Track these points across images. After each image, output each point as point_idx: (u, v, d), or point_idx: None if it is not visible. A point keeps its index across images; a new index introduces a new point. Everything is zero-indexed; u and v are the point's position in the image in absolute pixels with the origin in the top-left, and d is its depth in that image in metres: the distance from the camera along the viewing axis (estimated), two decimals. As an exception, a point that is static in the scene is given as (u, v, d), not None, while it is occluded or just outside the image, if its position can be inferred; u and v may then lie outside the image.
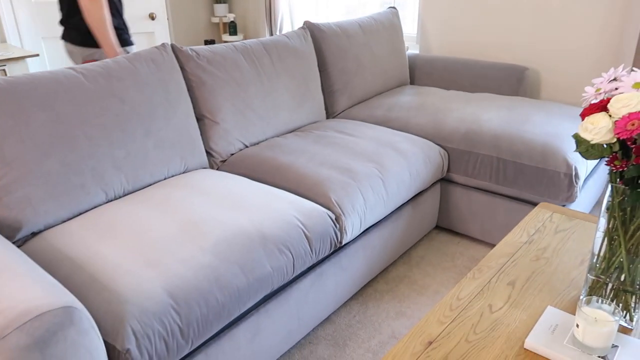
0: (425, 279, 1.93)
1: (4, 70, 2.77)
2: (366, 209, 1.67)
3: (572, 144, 1.92)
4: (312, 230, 1.48)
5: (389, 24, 2.78)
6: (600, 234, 1.03)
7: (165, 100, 1.71)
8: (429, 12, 3.07)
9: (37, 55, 2.92)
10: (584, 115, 0.98)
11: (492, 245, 2.16)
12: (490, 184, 2.03)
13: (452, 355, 0.95)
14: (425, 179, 1.97)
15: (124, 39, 2.19)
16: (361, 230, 1.68)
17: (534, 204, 1.98)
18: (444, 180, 2.18)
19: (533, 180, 1.92)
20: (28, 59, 2.90)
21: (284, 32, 3.85)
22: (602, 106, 0.95)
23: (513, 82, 2.65)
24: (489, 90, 2.70)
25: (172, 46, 1.84)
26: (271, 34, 3.80)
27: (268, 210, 1.47)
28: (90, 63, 1.61)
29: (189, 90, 1.86)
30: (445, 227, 2.26)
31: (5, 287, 0.95)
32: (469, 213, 2.15)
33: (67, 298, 0.96)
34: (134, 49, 2.25)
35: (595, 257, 1.04)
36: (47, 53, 3.29)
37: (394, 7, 2.91)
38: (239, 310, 1.29)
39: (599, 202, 2.42)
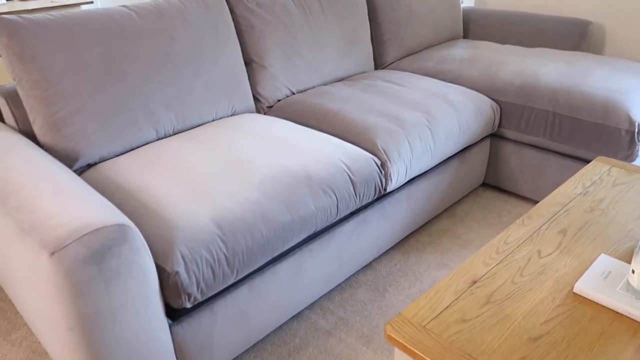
0: (469, 234, 1.90)
1: (60, 16, 2.84)
2: (412, 158, 1.64)
3: (637, 100, 1.81)
4: (357, 174, 1.47)
5: (444, -27, 2.66)
6: (665, 180, 0.97)
7: (214, 42, 1.71)
8: (488, -38, 2.91)
9: (92, 2, 2.98)
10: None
11: (541, 205, 2.10)
12: (544, 140, 1.94)
13: (496, 294, 0.94)
14: (475, 132, 1.91)
15: None
16: (406, 179, 1.66)
17: (590, 162, 1.89)
18: (495, 136, 2.11)
19: (591, 137, 1.82)
20: (82, 6, 2.97)
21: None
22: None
23: (575, 37, 2.50)
24: (548, 45, 2.56)
25: (223, -12, 1.83)
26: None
27: (314, 153, 1.47)
28: (144, 2, 1.62)
29: (237, 33, 1.85)
30: (493, 184, 2.20)
31: (65, 203, 1.00)
32: (519, 170, 2.08)
33: (121, 217, 0.99)
34: None
35: (658, 204, 0.98)
36: (101, 0, 3.35)
37: (450, -44, 2.77)
38: (283, 246, 1.31)
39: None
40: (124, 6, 1.57)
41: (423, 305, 0.92)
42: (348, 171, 1.45)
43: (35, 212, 0.99)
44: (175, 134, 1.64)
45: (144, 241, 1.02)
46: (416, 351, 0.83)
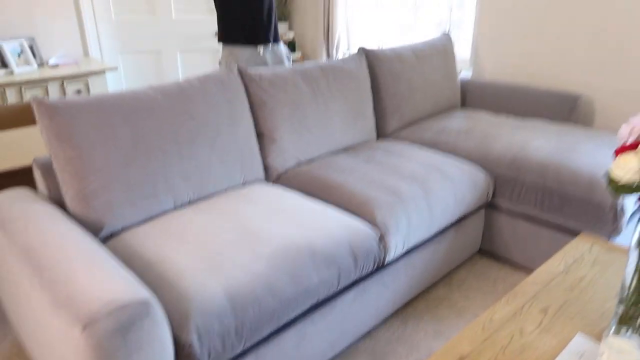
0: (465, 302, 1.99)
1: (87, 82, 3.07)
2: (410, 230, 1.76)
3: (621, 177, 1.93)
4: (358, 248, 1.59)
5: (442, 49, 2.87)
6: (631, 268, 1.08)
7: (230, 118, 1.88)
8: (483, 36, 3.13)
9: (116, 68, 3.21)
10: (617, 153, 1.05)
11: (535, 272, 2.19)
12: (536, 212, 2.07)
13: (481, 372, 1.04)
14: (470, 203, 2.04)
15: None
16: (404, 250, 1.77)
17: (579, 234, 2.00)
18: (489, 206, 2.24)
19: (578, 211, 1.94)
20: (107, 72, 3.19)
21: (340, 50, 4.00)
22: (634, 146, 1.02)
23: (565, 109, 2.66)
24: (540, 117, 2.72)
25: (239, 68, 2.02)
26: (328, 53, 3.96)
27: (318, 226, 1.59)
28: (168, 83, 1.79)
29: (251, 109, 2.02)
30: (488, 251, 2.31)
31: (96, 277, 1.12)
32: (512, 239, 2.19)
33: (145, 293, 1.11)
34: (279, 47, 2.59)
35: (626, 290, 1.09)
36: (124, 66, 3.59)
37: (447, 34, 2.99)
38: (288, 316, 1.41)
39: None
40: (150, 87, 1.75)
41: (414, 381, 1.02)
42: (350, 244, 1.58)
43: (68, 285, 1.11)
44: (190, 204, 1.77)
45: (164, 315, 1.14)
46: None
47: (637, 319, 1.08)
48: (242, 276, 1.35)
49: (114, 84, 3.53)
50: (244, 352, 1.38)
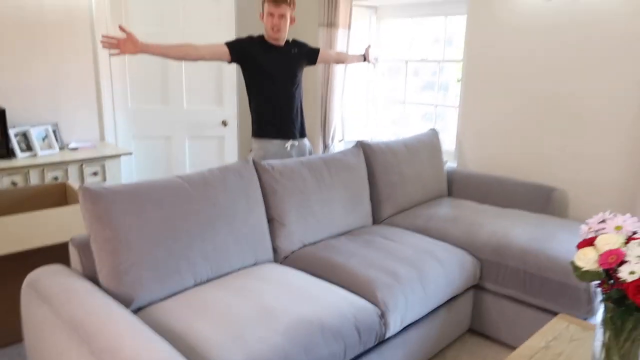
0: (457, 377, 2.14)
1: (103, 165, 3.32)
2: (407, 308, 1.95)
3: (592, 263, 2.17)
4: (362, 323, 1.77)
5: (430, 143, 3.20)
6: (598, 343, 1.29)
7: (246, 205, 2.11)
8: (466, 132, 3.49)
9: (131, 153, 3.48)
10: (579, 246, 1.29)
11: (521, 351, 2.35)
12: (519, 294, 2.27)
13: None
14: (459, 285, 2.25)
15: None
16: (402, 327, 1.95)
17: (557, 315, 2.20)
18: (477, 287, 2.44)
19: (557, 293, 2.16)
20: (122, 157, 3.45)
21: (335, 140, 4.35)
22: (591, 241, 1.26)
23: (542, 200, 2.95)
24: (519, 206, 3.00)
25: (253, 160, 2.28)
26: (324, 142, 4.29)
27: (326, 303, 1.78)
28: (193, 172, 2.04)
29: (263, 196, 2.26)
30: (478, 330, 2.48)
31: (140, 346, 1.29)
32: (499, 319, 2.37)
33: (191, 352, 1.28)
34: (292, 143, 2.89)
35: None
36: (135, 150, 3.86)
37: (434, 129, 3.35)
38: (300, 386, 1.56)
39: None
40: (178, 177, 1.99)
41: None
42: (354, 320, 1.76)
43: (117, 354, 1.27)
44: (208, 281, 1.96)
45: (198, 380, 1.30)
46: None
47: (606, 387, 1.27)
48: (263, 348, 1.51)
49: (126, 166, 3.78)
50: (261, 420, 1.51)
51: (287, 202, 2.29)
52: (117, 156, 3.39)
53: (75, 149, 3.41)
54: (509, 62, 3.24)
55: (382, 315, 1.86)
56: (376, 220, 2.81)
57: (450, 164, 3.66)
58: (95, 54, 3.58)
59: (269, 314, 1.68)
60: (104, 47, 2.35)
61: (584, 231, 1.32)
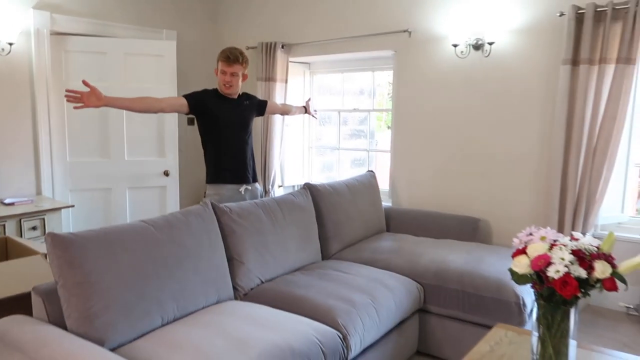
0: (412, 395, 2.30)
1: (43, 219, 3.24)
2: (365, 331, 2.12)
3: (519, 280, 2.48)
4: (326, 347, 1.91)
5: (369, 183, 3.48)
6: (535, 337, 1.53)
7: (209, 246, 2.21)
8: (398, 173, 3.82)
9: (73, 206, 3.43)
10: (513, 256, 1.54)
11: (465, 367, 2.57)
12: (459, 313, 2.52)
13: None
14: (407, 308, 2.45)
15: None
16: (361, 349, 2.10)
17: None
18: (422, 311, 2.66)
19: (492, 309, 2.42)
20: (63, 210, 3.39)
21: (275, 185, 4.52)
22: (523, 250, 1.52)
23: (469, 230, 3.29)
24: (451, 236, 3.31)
25: (211, 203, 2.40)
26: (265, 187, 4.45)
27: (293, 331, 1.90)
28: (156, 217, 2.12)
29: (222, 237, 2.37)
30: (424, 352, 2.67)
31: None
32: (443, 339, 2.59)
33: (175, 386, 1.35)
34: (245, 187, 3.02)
35: (535, 354, 1.52)
36: (75, 203, 3.79)
37: (371, 171, 3.64)
38: (277, 409, 1.66)
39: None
40: (142, 221, 2.07)
41: None
42: (320, 344, 1.89)
43: (109, 385, 1.32)
44: (175, 320, 2.01)
45: (189, 404, 1.37)
46: None
47: (544, 374, 1.50)
48: (241, 374, 1.60)
49: (64, 219, 3.69)
50: None
51: (245, 242, 2.41)
52: (58, 209, 3.33)
53: (11, 204, 3.31)
54: (431, 110, 3.65)
55: (344, 339, 2.01)
56: (325, 256, 2.99)
57: (385, 203, 3.95)
58: (34, 110, 3.56)
59: (241, 344, 1.77)
60: (68, 101, 2.40)
61: (516, 243, 1.58)
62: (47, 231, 3.29)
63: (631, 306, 3.16)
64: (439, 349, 2.61)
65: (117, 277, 1.83)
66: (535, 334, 1.53)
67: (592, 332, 2.91)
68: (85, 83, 2.44)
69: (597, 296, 3.27)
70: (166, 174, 4.09)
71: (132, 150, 3.99)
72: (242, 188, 2.93)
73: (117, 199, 3.98)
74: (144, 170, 4.04)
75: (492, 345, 1.85)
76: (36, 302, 1.85)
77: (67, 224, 3.72)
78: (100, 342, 1.74)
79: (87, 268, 1.78)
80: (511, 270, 1.53)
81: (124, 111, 3.84)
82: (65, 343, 1.56)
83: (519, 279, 1.51)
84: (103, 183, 3.91)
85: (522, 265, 1.48)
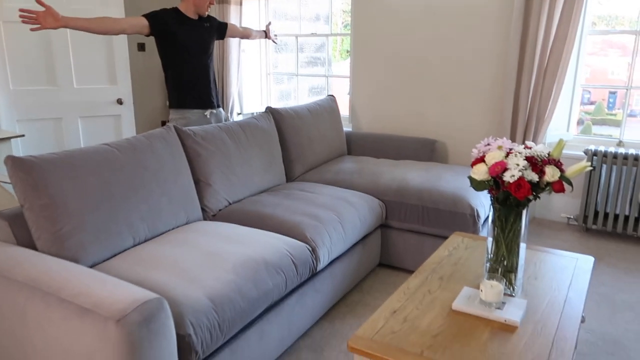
0: (375, 302, 2.48)
1: (-8, 149, 3.10)
2: (332, 244, 2.23)
3: (474, 194, 2.64)
4: (297, 258, 2.00)
5: (330, 107, 3.50)
6: (490, 239, 1.66)
7: (174, 168, 2.21)
8: (358, 98, 3.85)
9: (23, 135, 3.29)
10: (473, 164, 1.64)
11: (423, 276, 2.76)
12: (419, 226, 2.67)
13: (409, 316, 1.51)
14: (370, 224, 2.58)
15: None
16: (329, 261, 2.22)
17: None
18: (384, 226, 2.80)
19: (448, 221, 2.58)
20: (12, 140, 3.25)
21: (234, 112, 4.47)
22: (482, 159, 1.62)
23: (427, 151, 3.41)
24: (409, 157, 3.44)
25: (175, 127, 2.37)
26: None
27: (264, 245, 1.98)
28: (119, 140, 2.09)
29: (188, 160, 2.37)
30: (386, 263, 2.85)
31: (111, 288, 1.39)
32: (404, 250, 2.76)
33: (155, 294, 1.41)
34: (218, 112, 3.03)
35: (489, 253, 1.66)
36: (25, 133, 3.63)
37: (332, 95, 3.65)
38: (253, 315, 1.76)
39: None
40: (105, 144, 2.03)
41: (367, 327, 1.45)
42: (291, 256, 1.98)
43: (92, 295, 1.36)
44: (146, 241, 2.04)
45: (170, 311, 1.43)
46: (369, 352, 1.34)
47: (497, 270, 1.65)
48: (217, 284, 1.68)
49: (15, 150, 3.55)
50: (223, 346, 1.69)
51: (211, 164, 2.42)
52: (7, 139, 3.19)
53: (-45, 135, 3.13)
54: (389, 34, 3.63)
55: (313, 251, 2.11)
56: (289, 178, 3.04)
57: (346, 128, 4.00)
58: (-33, 31, 3.28)
59: (216, 258, 1.83)
60: (23, 21, 2.24)
61: (475, 153, 1.67)
62: (-3, 162, 3.17)
63: (571, 216, 3.44)
64: (400, 260, 2.79)
65: (84, 199, 1.82)
66: (491, 235, 1.67)
67: (537, 241, 3.17)
68: (39, 2, 2.27)
69: (541, 209, 3.53)
70: (119, 102, 3.95)
71: (80, 78, 3.80)
72: (208, 112, 2.90)
73: (69, 129, 3.83)
74: (95, 99, 3.88)
75: (450, 250, 1.99)
76: (2, 227, 1.83)
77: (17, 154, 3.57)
78: (74, 262, 1.76)
79: (51, 190, 1.75)
80: (470, 178, 1.63)
81: (68, 35, 3.63)
82: (39, 262, 1.57)
83: (478, 185, 1.62)
84: (52, 113, 3.74)
85: (480, 172, 1.58)
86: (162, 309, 1.37)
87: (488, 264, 1.67)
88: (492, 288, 1.51)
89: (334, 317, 2.34)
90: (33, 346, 1.49)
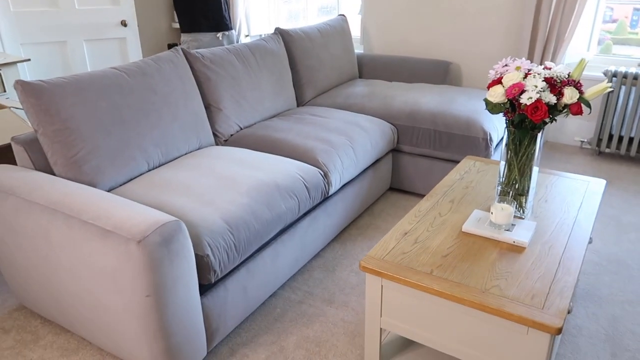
0: (386, 225, 2.53)
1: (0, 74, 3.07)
2: (343, 169, 2.24)
3: (487, 117, 2.60)
4: (310, 182, 2.03)
5: (340, 28, 3.37)
6: (503, 162, 1.66)
7: (183, 92, 2.19)
8: (370, 18, 3.70)
9: (29, 60, 3.24)
10: (489, 86, 1.60)
11: (433, 199, 2.80)
12: (430, 151, 2.66)
13: (419, 238, 1.55)
14: (382, 148, 2.58)
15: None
16: (340, 185, 2.25)
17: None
18: (395, 150, 2.80)
19: (461, 145, 2.57)
20: (19, 64, 3.20)
21: (242, 35, 4.34)
22: (499, 80, 1.58)
23: (440, 73, 3.33)
24: (422, 80, 3.36)
25: (183, 50, 2.31)
26: (231, 38, 4.27)
27: (277, 169, 2.00)
28: (128, 63, 2.05)
29: (197, 84, 2.34)
30: (397, 187, 2.88)
31: (130, 210, 1.43)
32: (414, 174, 2.78)
33: (173, 216, 1.45)
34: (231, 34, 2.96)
35: (501, 176, 1.67)
36: (30, 58, 3.57)
37: (343, 15, 3.51)
38: (267, 237, 1.81)
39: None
40: (113, 68, 2.00)
41: (378, 248, 1.49)
42: (303, 180, 2.01)
43: (112, 218, 1.40)
44: (161, 165, 2.07)
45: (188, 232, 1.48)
46: (381, 271, 1.39)
47: (508, 194, 1.66)
48: (232, 207, 1.72)
49: (22, 75, 3.51)
50: (239, 266, 1.76)
51: (221, 88, 2.39)
52: (14, 63, 3.15)
53: (-39, 59, 3.09)
54: (406, -56, 3.41)
55: (325, 175, 2.13)
56: (300, 102, 3.01)
57: (357, 50, 3.88)
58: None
59: (229, 182, 1.86)
60: None
61: (492, 74, 1.63)
62: (6, 88, 3.15)
63: (585, 140, 3.40)
64: (410, 184, 2.81)
65: (96, 124, 1.83)
66: (504, 159, 1.66)
67: (549, 164, 3.16)
68: None
69: (555, 132, 3.48)
70: (123, 24, 3.83)
71: (83, -2, 3.67)
72: (220, 34, 2.83)
73: (75, 53, 3.76)
74: (98, 20, 3.76)
75: (462, 174, 2.00)
76: (18, 152, 1.85)
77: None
78: (91, 186, 1.80)
79: (63, 115, 1.75)
80: (486, 101, 1.60)
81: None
82: (59, 186, 1.61)
83: (493, 108, 1.59)
84: (56, 36, 3.66)
85: (497, 94, 1.55)
86: (180, 230, 1.42)
87: (499, 187, 1.68)
88: (502, 210, 1.53)
89: (345, 239, 2.40)
90: (59, 263, 1.56)
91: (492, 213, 1.56)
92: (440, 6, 3.41)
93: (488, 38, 3.33)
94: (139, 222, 1.38)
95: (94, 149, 1.81)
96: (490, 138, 2.51)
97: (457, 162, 2.65)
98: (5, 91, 3.14)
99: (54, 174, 1.81)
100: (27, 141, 1.84)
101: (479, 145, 2.52)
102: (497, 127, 2.60)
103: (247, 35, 4.42)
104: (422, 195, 2.85)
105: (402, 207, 2.71)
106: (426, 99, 2.82)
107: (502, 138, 2.77)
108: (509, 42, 3.27)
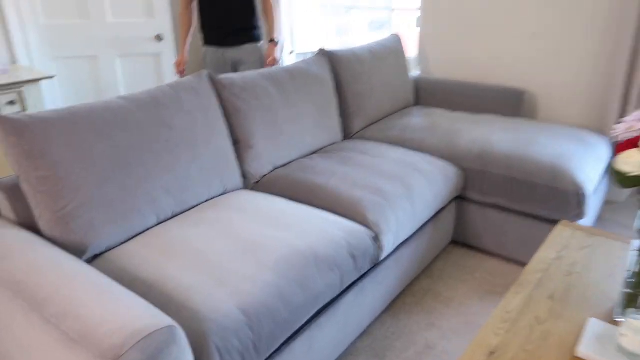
0: (448, 292, 2.05)
1: (20, 92, 2.81)
2: (399, 227, 1.79)
3: (579, 164, 2.08)
4: (356, 249, 1.59)
5: (394, 49, 2.93)
6: (635, 253, 1.17)
7: (206, 126, 1.80)
8: (429, 36, 3.23)
9: (53, 77, 2.97)
10: (619, 150, 1.12)
11: (507, 259, 2.29)
12: (504, 201, 2.17)
13: (514, 362, 1.07)
14: (444, 197, 2.11)
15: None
16: (394, 247, 1.80)
17: (546, 220, 2.12)
18: (460, 198, 2.32)
19: (544, 198, 2.07)
20: (42, 81, 2.94)
21: (285, 51, 3.97)
22: (634, 142, 1.10)
23: (512, 104, 2.82)
24: (490, 111, 2.86)
25: (209, 74, 1.94)
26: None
27: (315, 230, 1.57)
28: (139, 92, 1.69)
29: (225, 116, 1.95)
30: (460, 241, 2.39)
31: (107, 306, 1.03)
32: (483, 228, 2.28)
33: (167, 318, 1.04)
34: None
35: (631, 273, 1.17)
36: (59, 73, 3.32)
37: (396, 34, 3.07)
38: (299, 324, 1.38)
39: (600, 218, 2.59)
40: (120, 97, 1.64)
41: (455, 378, 1.03)
42: (348, 247, 1.57)
43: (80, 319, 1.01)
44: (173, 217, 1.68)
45: (187, 340, 1.07)
46: None
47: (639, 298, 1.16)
48: (253, 289, 1.30)
49: (49, 92, 3.26)
50: (260, 368, 1.33)
51: (252, 121, 1.99)
52: (36, 81, 2.88)
53: (-20, 75, 2.85)
54: (476, -48, 2.94)
55: (376, 238, 1.69)
56: (347, 135, 2.58)
57: (413, 72, 3.42)
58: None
59: (252, 247, 1.45)
60: None
61: (622, 130, 1.14)
62: (27, 107, 2.88)
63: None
64: (477, 239, 2.32)
65: (91, 168, 1.46)
66: (636, 248, 1.17)
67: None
68: None
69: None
70: (158, 38, 3.54)
71: (115, 10, 3.39)
72: (229, 50, 2.48)
73: (107, 69, 3.49)
74: (132, 34, 3.48)
75: (559, 251, 1.51)
76: (1, 200, 1.51)
77: (51, 98, 3.29)
78: (82, 247, 1.43)
79: (49, 158, 1.39)
80: (615, 170, 1.11)
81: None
82: (30, 255, 1.24)
83: (626, 181, 1.10)
84: (87, 49, 3.39)
85: (634, 163, 1.07)
86: (174, 342, 1.00)
87: (629, 290, 1.19)
88: (639, 334, 1.04)
89: (398, 311, 1.94)
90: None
91: (621, 334, 1.07)
92: (513, 22, 2.91)
93: (572, 62, 2.79)
94: (115, 328, 0.97)
95: (86, 201, 1.44)
96: (585, 193, 1.99)
97: (539, 218, 2.14)
98: (25, 110, 2.88)
99: (40, 231, 1.45)
100: (9, 186, 1.49)
101: (570, 201, 2.01)
102: (591, 178, 2.08)
103: (291, 52, 4.05)
104: (491, 254, 2.35)
105: (468, 268, 2.22)
106: (498, 136, 2.33)
107: (597, 190, 2.23)
108: (599, 68, 2.73)
